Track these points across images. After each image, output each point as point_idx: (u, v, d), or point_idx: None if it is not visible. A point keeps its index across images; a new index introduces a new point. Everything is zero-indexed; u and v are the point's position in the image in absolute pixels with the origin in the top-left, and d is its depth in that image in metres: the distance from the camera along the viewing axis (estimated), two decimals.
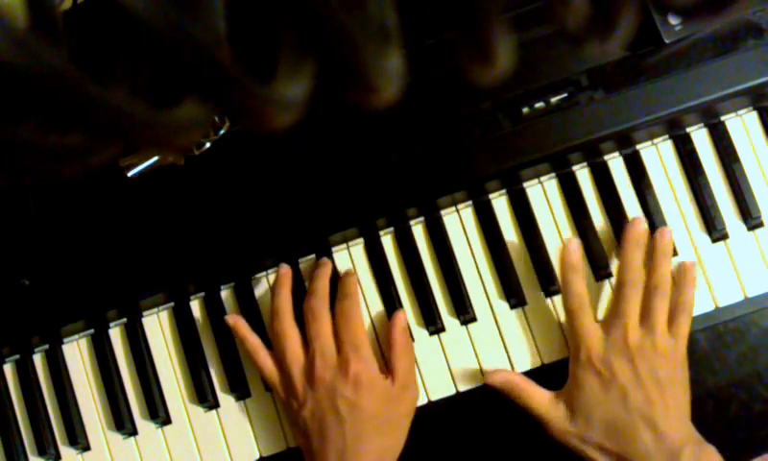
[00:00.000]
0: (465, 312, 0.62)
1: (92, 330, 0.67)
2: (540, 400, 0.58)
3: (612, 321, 0.57)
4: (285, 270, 0.63)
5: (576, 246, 0.59)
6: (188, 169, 0.63)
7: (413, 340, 0.63)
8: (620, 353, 0.55)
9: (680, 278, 0.59)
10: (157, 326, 0.66)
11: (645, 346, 0.56)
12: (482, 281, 0.63)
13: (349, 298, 0.61)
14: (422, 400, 0.62)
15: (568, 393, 0.57)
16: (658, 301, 0.57)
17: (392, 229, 0.64)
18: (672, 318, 0.58)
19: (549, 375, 0.60)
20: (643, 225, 0.60)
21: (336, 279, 0.63)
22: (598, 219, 0.63)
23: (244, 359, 0.65)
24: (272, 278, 0.65)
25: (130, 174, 0.63)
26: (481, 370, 0.62)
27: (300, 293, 0.63)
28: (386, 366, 0.61)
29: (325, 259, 0.63)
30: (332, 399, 0.57)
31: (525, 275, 0.62)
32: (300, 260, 0.65)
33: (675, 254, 0.62)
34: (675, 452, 0.53)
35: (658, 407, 0.54)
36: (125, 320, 0.67)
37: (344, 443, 0.56)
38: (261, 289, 0.66)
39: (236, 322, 0.62)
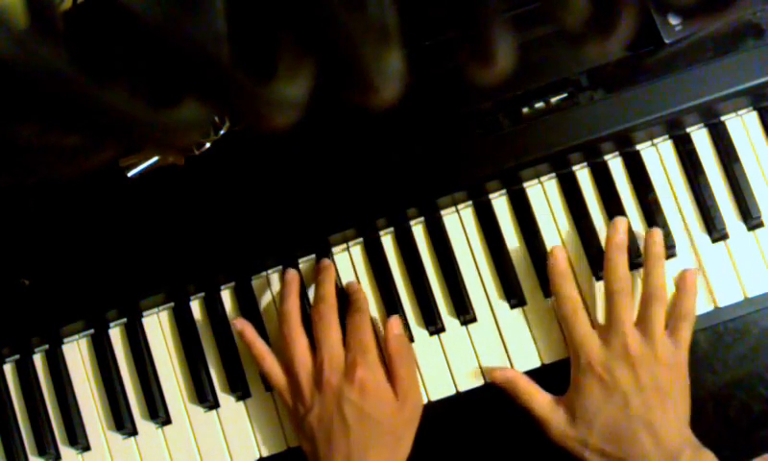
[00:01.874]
0: (465, 312, 0.62)
1: (92, 330, 0.67)
2: (542, 402, 0.58)
3: (608, 329, 0.57)
4: (292, 275, 0.63)
5: (562, 253, 0.60)
6: (188, 169, 0.63)
7: (413, 340, 0.63)
8: (622, 361, 0.55)
9: (680, 285, 0.59)
10: (157, 326, 0.66)
11: (646, 354, 0.56)
12: (482, 281, 0.63)
13: (361, 313, 0.61)
14: (423, 400, 0.62)
15: (570, 398, 0.57)
16: (654, 308, 0.57)
17: (392, 229, 0.64)
18: (673, 325, 0.57)
19: (549, 375, 0.60)
20: (624, 229, 0.60)
21: (337, 282, 0.63)
22: (598, 219, 0.63)
23: (244, 359, 0.65)
24: (272, 278, 0.65)
25: (130, 174, 0.63)
26: (481, 370, 0.62)
27: (302, 294, 0.63)
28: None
29: (328, 261, 0.63)
30: (339, 404, 0.57)
31: (525, 275, 0.62)
32: (300, 260, 0.65)
33: (674, 255, 0.62)
34: (673, 457, 0.53)
35: (657, 413, 0.54)
36: (125, 320, 0.67)
37: (349, 449, 0.56)
38: (261, 289, 0.66)
39: (243, 327, 0.62)
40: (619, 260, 0.58)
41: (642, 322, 0.57)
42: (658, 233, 0.60)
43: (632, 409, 0.54)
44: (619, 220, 0.60)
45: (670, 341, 0.57)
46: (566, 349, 0.60)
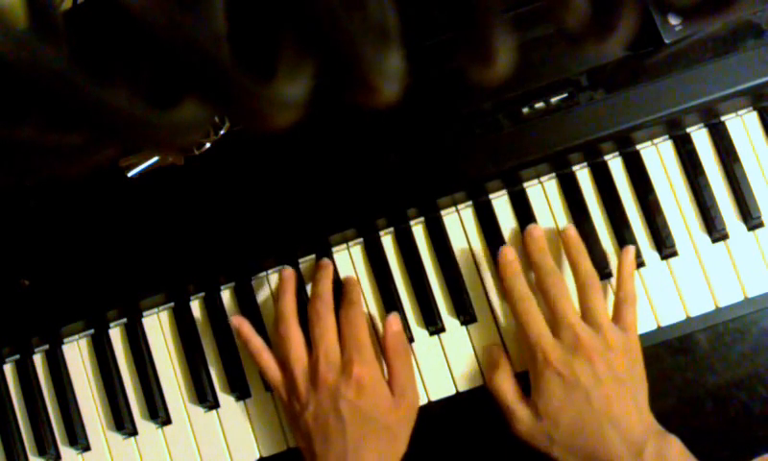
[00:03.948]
0: (465, 312, 0.62)
1: (92, 330, 0.67)
2: (510, 390, 0.58)
3: (555, 324, 0.57)
4: (289, 273, 0.63)
5: (513, 253, 0.60)
6: (188, 169, 0.63)
7: (413, 340, 0.63)
8: (577, 354, 0.55)
9: (619, 269, 0.60)
10: (157, 326, 0.66)
11: (598, 344, 0.56)
12: (482, 282, 0.63)
13: (354, 305, 0.61)
14: (422, 401, 0.62)
15: (534, 400, 0.57)
16: (591, 296, 0.57)
17: (392, 229, 0.64)
18: (617, 311, 0.58)
19: None
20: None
21: (337, 281, 0.63)
22: (598, 219, 0.63)
23: (244, 359, 0.65)
24: (272, 278, 0.65)
25: (130, 174, 0.63)
26: (481, 370, 0.62)
27: (301, 294, 0.63)
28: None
29: (327, 260, 0.63)
30: (335, 401, 0.57)
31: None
32: (300, 260, 0.65)
33: (675, 254, 0.62)
34: (639, 448, 0.53)
35: (618, 404, 0.54)
36: (125, 320, 0.67)
37: (345, 446, 0.56)
38: (261, 289, 0.66)
39: (240, 324, 0.62)
40: (545, 261, 0.59)
41: (585, 313, 0.58)
42: (570, 228, 0.61)
43: (593, 403, 0.54)
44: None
45: (617, 327, 0.57)
46: None
